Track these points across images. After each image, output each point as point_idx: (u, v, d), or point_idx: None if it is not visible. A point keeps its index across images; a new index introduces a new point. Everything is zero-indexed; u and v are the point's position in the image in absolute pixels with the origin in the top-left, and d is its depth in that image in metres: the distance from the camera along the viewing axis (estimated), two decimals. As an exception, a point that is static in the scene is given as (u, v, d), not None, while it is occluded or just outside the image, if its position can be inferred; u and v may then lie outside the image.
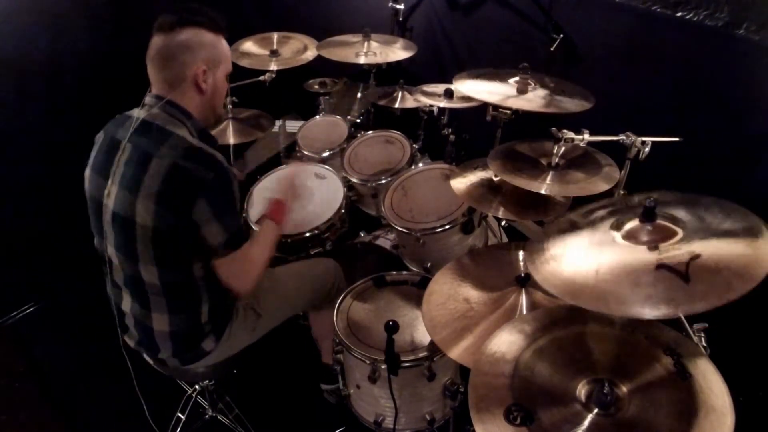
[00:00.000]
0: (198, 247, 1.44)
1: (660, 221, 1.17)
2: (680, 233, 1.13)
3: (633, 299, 1.01)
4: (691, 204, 1.22)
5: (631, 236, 1.17)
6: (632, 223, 1.19)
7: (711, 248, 1.06)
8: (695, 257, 1.04)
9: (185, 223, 1.39)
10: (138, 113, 1.49)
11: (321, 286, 1.94)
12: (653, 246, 1.11)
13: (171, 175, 1.38)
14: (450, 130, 2.51)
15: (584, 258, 1.16)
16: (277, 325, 1.82)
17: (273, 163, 2.66)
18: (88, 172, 1.55)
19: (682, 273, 1.02)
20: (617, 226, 1.21)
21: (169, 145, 1.41)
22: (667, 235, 1.14)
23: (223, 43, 1.54)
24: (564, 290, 1.09)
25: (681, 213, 1.19)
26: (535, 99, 1.90)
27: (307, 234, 2.18)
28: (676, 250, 1.08)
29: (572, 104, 1.84)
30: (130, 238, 1.44)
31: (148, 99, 1.51)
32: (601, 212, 1.29)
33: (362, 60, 2.66)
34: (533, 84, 1.95)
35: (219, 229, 1.42)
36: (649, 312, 0.99)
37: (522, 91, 1.93)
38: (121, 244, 1.47)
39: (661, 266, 1.05)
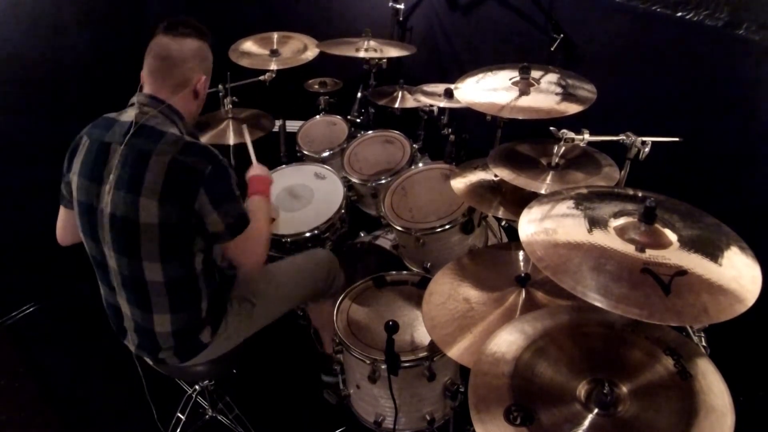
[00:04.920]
0: (201, 239, 1.49)
1: (658, 225, 1.17)
2: (675, 243, 1.14)
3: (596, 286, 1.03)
4: (693, 219, 1.22)
5: (623, 231, 1.17)
6: (630, 219, 1.20)
7: (699, 269, 1.07)
8: (681, 272, 1.05)
9: (189, 216, 1.43)
10: (130, 116, 1.48)
11: (317, 276, 1.94)
12: (641, 248, 1.12)
13: (172, 170, 1.42)
14: (450, 130, 2.51)
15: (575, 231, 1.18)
16: (274, 320, 1.82)
17: (273, 163, 2.65)
18: (75, 178, 1.52)
19: (665, 284, 1.02)
20: (615, 216, 1.22)
21: (165, 142, 1.45)
22: (661, 241, 1.14)
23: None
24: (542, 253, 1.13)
25: (680, 224, 1.19)
26: (542, 96, 1.82)
27: (307, 234, 2.19)
28: (665, 260, 1.08)
29: (584, 91, 1.80)
30: (133, 238, 1.44)
31: (141, 99, 1.52)
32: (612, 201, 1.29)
33: (362, 54, 2.64)
34: (536, 83, 1.89)
35: (219, 218, 1.47)
36: (615, 308, 1.00)
37: (524, 92, 1.90)
38: (122, 246, 1.47)
39: (646, 270, 1.05)
